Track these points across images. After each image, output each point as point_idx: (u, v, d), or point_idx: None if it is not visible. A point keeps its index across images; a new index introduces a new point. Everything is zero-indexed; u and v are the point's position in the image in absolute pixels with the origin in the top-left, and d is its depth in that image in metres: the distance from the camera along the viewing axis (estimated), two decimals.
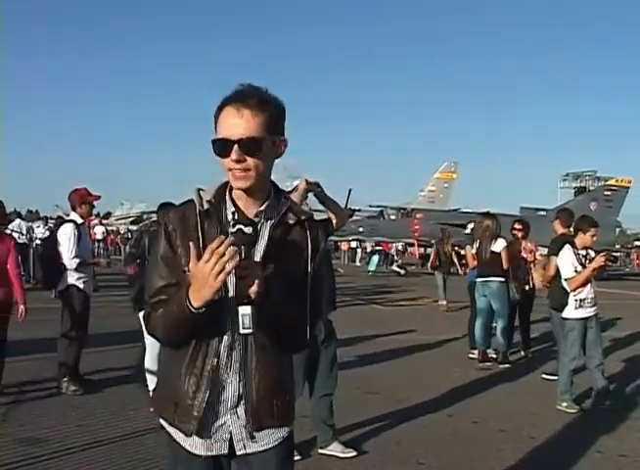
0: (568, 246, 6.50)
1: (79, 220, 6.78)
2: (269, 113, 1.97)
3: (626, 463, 4.99)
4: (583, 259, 6.42)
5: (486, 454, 5.07)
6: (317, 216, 4.99)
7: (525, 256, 9.26)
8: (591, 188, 39.67)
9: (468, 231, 12.65)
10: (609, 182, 35.81)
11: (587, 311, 6.42)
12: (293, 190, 4.52)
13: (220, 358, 2.00)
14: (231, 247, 1.77)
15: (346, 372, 6.58)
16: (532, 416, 6.16)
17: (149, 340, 5.78)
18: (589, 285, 6.42)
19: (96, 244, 29.68)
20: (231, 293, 1.95)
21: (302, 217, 2.09)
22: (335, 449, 4.90)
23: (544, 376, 7.75)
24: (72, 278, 6.64)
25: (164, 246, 2.05)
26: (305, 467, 4.61)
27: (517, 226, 9.59)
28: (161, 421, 2.13)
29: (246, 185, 1.98)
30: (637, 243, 41.78)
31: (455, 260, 12.66)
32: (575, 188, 43.29)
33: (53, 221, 18.87)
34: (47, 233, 16.10)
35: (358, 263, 35.48)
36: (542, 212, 30.90)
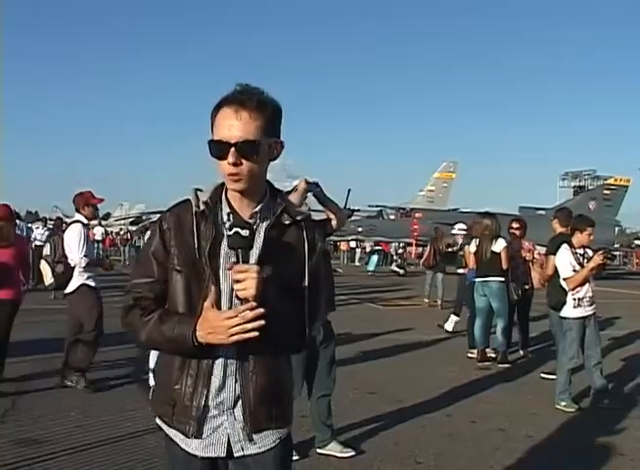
0: (565, 245, 6.51)
1: (85, 221, 6.90)
2: (267, 115, 1.97)
3: (624, 462, 4.99)
4: (581, 259, 6.43)
5: (485, 454, 5.08)
6: (316, 217, 5.02)
7: (523, 255, 9.26)
8: (590, 187, 39.73)
9: (455, 231, 12.64)
10: (608, 181, 35.85)
11: (585, 310, 6.43)
12: (292, 190, 4.52)
13: (216, 360, 2.00)
14: (258, 322, 1.82)
15: (345, 372, 6.59)
16: (531, 415, 6.17)
17: None
18: (587, 284, 6.43)
19: (95, 244, 29.67)
20: (228, 295, 1.97)
21: (298, 218, 2.09)
22: (333, 449, 4.91)
23: (543, 375, 7.76)
24: (83, 277, 6.71)
25: (158, 243, 2.06)
26: (303, 467, 4.62)
27: (514, 225, 9.59)
28: (159, 422, 2.13)
29: (241, 187, 1.99)
30: (637, 242, 41.76)
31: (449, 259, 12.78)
32: (574, 187, 43.35)
33: (52, 222, 18.89)
34: (46, 234, 16.18)
35: (357, 263, 35.49)
36: (541, 212, 30.90)
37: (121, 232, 40.98)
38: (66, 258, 6.66)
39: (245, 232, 1.85)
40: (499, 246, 8.73)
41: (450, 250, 13.38)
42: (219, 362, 2.00)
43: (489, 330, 8.94)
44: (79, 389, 6.60)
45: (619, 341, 10.50)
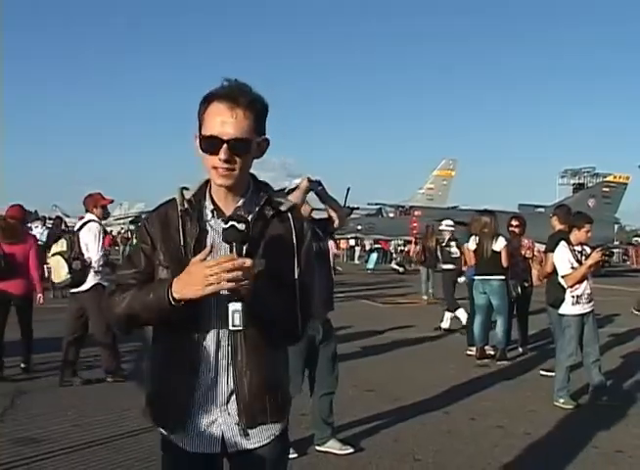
0: (563, 242, 6.50)
1: (100, 221, 7.09)
2: (257, 113, 1.99)
3: (622, 459, 4.99)
4: (579, 256, 6.43)
5: (483, 451, 5.08)
6: (317, 215, 5.01)
7: (523, 252, 9.26)
8: (589, 185, 39.63)
9: (442, 227, 12.61)
10: (607, 179, 35.82)
11: (584, 308, 6.43)
12: (294, 188, 4.52)
13: (208, 356, 2.00)
14: (236, 272, 1.78)
15: (344, 369, 6.53)
16: (530, 413, 6.17)
17: None
18: (586, 281, 6.43)
19: None
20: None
21: (283, 208, 2.08)
22: (332, 447, 4.91)
23: (542, 372, 7.75)
24: (98, 277, 6.76)
25: (145, 240, 2.08)
26: (302, 465, 4.62)
27: (514, 223, 9.59)
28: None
29: (228, 183, 1.99)
30: (637, 239, 41.75)
31: (439, 256, 12.81)
32: (574, 185, 43.24)
33: (51, 222, 18.87)
34: (45, 233, 16.17)
35: (357, 262, 35.50)
36: (541, 209, 30.89)
37: (122, 231, 41.00)
38: (82, 255, 6.74)
39: (241, 226, 1.84)
40: (500, 244, 8.74)
41: (438, 246, 13.39)
42: (211, 359, 2.00)
43: (489, 327, 8.95)
44: (77, 388, 6.64)
45: (618, 338, 10.50)
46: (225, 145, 1.92)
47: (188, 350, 1.99)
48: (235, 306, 1.81)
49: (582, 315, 6.42)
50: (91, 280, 6.74)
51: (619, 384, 7.33)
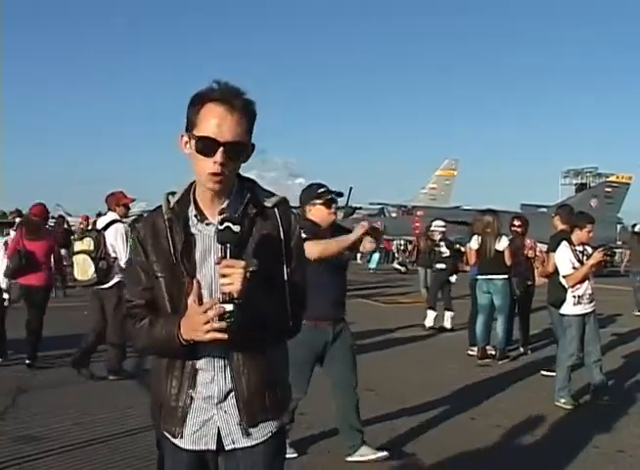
0: (565, 242, 6.49)
1: (124, 220, 7.22)
2: (250, 117, 2.00)
3: (623, 458, 4.99)
4: (581, 256, 6.42)
5: (484, 450, 5.07)
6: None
7: (525, 252, 9.26)
8: (592, 185, 39.57)
9: (432, 227, 12.57)
10: (609, 179, 35.73)
11: (585, 308, 6.42)
12: (349, 230, 4.64)
13: (204, 356, 2.00)
14: (219, 324, 1.81)
15: None
16: (530, 412, 6.15)
17: None
18: (587, 281, 6.42)
19: None
20: (214, 290, 1.96)
21: (268, 205, 2.07)
22: (364, 454, 4.67)
23: (544, 373, 7.73)
24: (119, 275, 6.83)
25: (138, 252, 2.08)
26: (302, 465, 4.60)
27: (516, 223, 9.58)
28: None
29: (220, 187, 1.99)
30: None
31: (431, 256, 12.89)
32: (576, 185, 43.17)
33: (54, 220, 18.90)
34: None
35: (359, 261, 35.44)
36: (543, 209, 30.83)
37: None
38: (108, 255, 6.85)
39: (236, 228, 1.85)
40: (503, 244, 8.75)
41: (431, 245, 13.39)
42: (207, 358, 2.01)
43: (490, 327, 8.94)
44: (79, 386, 6.66)
45: (620, 338, 10.49)
46: (221, 148, 1.91)
47: (188, 353, 2.00)
48: (227, 308, 1.81)
49: (584, 315, 6.41)
50: (116, 278, 6.86)
51: (620, 384, 7.32)
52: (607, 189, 34.46)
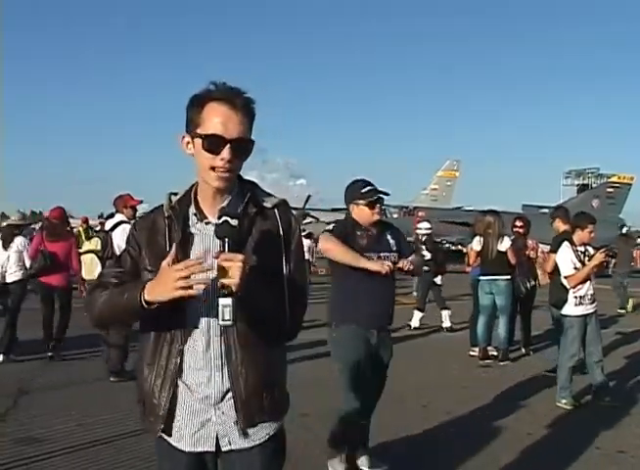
0: (566, 243, 6.49)
1: (131, 221, 7.20)
2: (252, 115, 2.01)
3: (625, 459, 4.99)
4: (582, 256, 6.41)
5: (485, 451, 5.07)
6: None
7: (527, 253, 9.26)
8: (594, 185, 39.57)
9: (418, 230, 12.51)
10: (611, 179, 35.74)
11: (587, 308, 6.41)
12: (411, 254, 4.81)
13: (199, 355, 2.00)
14: (203, 274, 1.82)
15: None
16: (532, 413, 6.16)
17: None
18: (588, 282, 6.41)
19: None
20: (211, 285, 1.95)
21: (268, 205, 2.08)
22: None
23: (545, 373, 7.73)
24: None
25: (133, 245, 2.11)
26: (302, 466, 4.60)
27: (517, 224, 9.60)
28: None
29: (225, 185, 2.00)
30: None
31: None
32: (578, 185, 43.19)
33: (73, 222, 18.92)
34: None
35: None
36: (545, 210, 30.81)
37: None
38: (115, 255, 6.84)
39: (234, 222, 1.86)
40: (505, 244, 8.74)
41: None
42: (203, 357, 2.00)
43: (492, 328, 8.94)
44: (81, 387, 6.69)
45: (621, 339, 10.49)
46: (228, 145, 1.93)
47: (164, 350, 2.01)
48: (225, 302, 1.81)
49: (585, 316, 6.41)
50: None
51: (622, 384, 7.32)
52: (609, 189, 34.46)
